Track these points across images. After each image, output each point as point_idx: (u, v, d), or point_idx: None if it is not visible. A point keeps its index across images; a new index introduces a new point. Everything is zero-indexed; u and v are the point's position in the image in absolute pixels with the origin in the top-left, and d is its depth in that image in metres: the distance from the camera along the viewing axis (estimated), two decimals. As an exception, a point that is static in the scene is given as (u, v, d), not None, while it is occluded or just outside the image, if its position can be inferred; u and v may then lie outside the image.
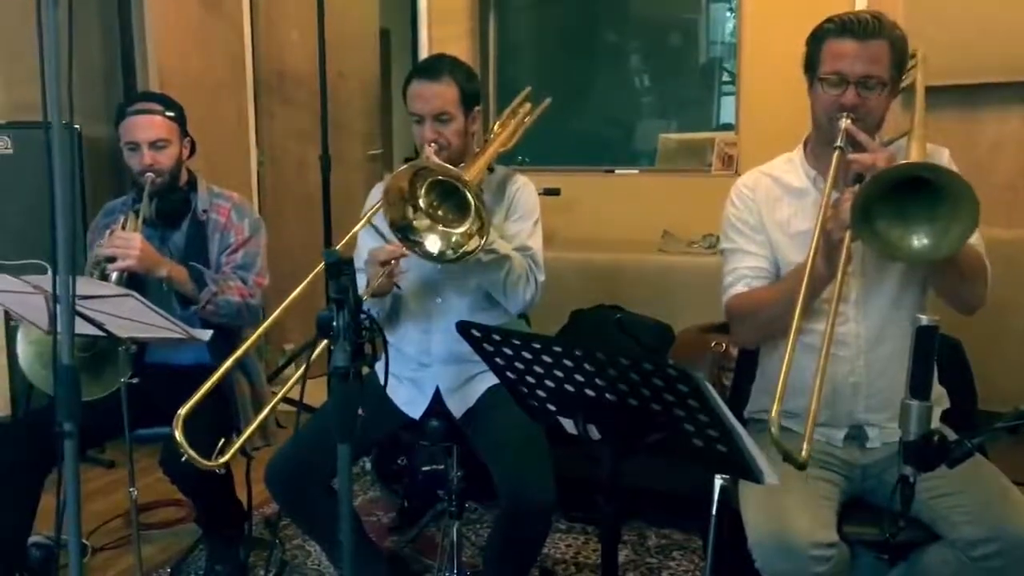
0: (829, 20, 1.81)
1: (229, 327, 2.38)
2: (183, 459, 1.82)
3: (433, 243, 1.95)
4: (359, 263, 2.20)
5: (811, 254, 1.69)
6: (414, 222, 1.96)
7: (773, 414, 1.52)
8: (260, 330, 2.12)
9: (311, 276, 2.02)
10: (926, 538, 1.74)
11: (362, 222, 2.16)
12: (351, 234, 2.15)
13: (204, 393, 1.89)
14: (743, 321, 1.94)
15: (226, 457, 1.87)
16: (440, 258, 1.97)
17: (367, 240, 2.20)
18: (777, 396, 1.54)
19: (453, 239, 1.94)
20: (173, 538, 2.85)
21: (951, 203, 1.58)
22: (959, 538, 1.66)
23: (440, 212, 1.97)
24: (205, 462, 1.84)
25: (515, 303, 2.15)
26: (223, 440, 1.89)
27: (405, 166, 1.94)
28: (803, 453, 1.49)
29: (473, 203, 1.87)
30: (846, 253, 1.68)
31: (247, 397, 2.46)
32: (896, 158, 1.71)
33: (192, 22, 3.98)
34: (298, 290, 2.02)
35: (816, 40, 1.83)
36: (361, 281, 2.08)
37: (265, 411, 2.07)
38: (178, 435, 1.81)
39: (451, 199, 1.95)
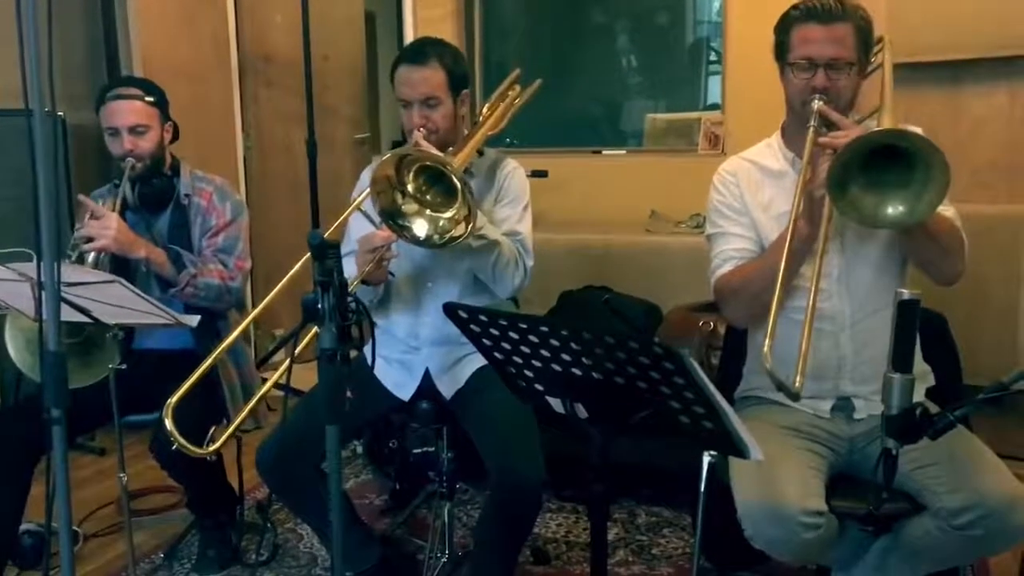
0: (794, 7, 1.87)
1: (212, 311, 2.38)
2: (174, 447, 1.82)
3: (420, 228, 1.96)
4: (348, 247, 2.20)
5: (793, 215, 1.74)
6: (402, 207, 1.96)
7: (765, 349, 1.58)
8: (246, 322, 2.12)
9: (299, 264, 2.00)
10: (910, 510, 1.76)
11: (350, 209, 2.15)
12: (339, 221, 2.15)
13: (193, 383, 1.88)
14: (732, 298, 1.96)
15: (216, 445, 1.88)
16: (427, 243, 1.97)
17: (356, 225, 2.20)
18: (768, 331, 1.60)
19: (440, 224, 1.95)
20: (165, 524, 2.85)
21: (923, 169, 1.62)
22: (941, 508, 1.69)
23: (428, 196, 1.97)
24: (196, 449, 1.84)
25: (504, 287, 2.16)
26: (213, 428, 1.90)
27: (390, 154, 1.94)
28: (796, 384, 1.56)
29: (459, 188, 1.87)
30: (827, 213, 1.73)
31: (236, 383, 2.47)
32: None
33: (176, 6, 3.95)
34: (287, 278, 2.01)
35: (783, 27, 1.88)
36: (349, 266, 2.09)
37: (254, 399, 2.06)
38: (168, 424, 1.81)
39: (439, 183, 1.95)
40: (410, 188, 1.95)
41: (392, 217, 1.95)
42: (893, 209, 1.67)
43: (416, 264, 2.22)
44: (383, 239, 2.01)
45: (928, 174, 1.62)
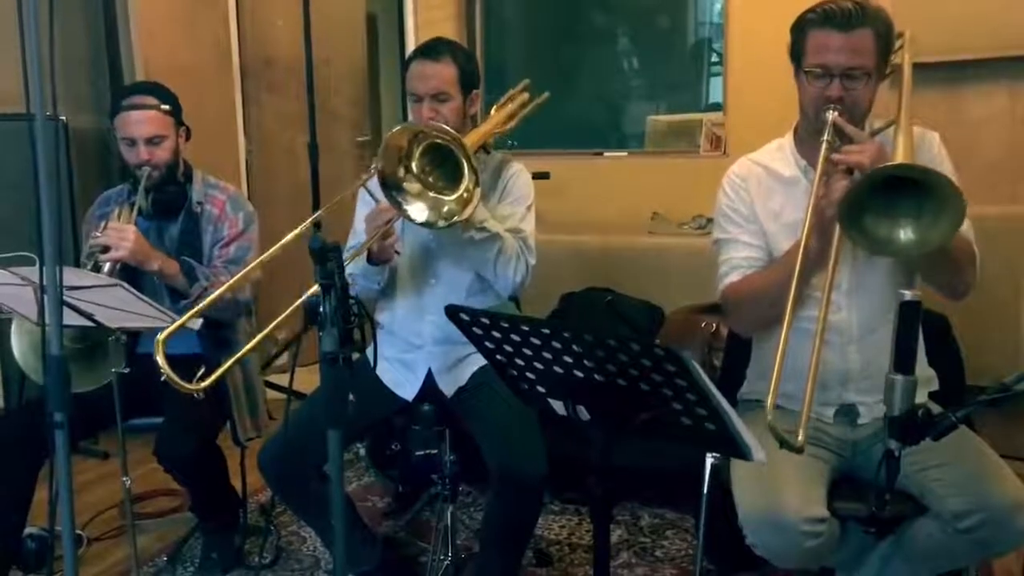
0: (811, 10, 1.79)
1: (219, 319, 2.38)
2: (163, 379, 1.74)
3: (420, 209, 1.96)
4: (353, 240, 2.22)
5: (805, 232, 1.70)
6: (404, 184, 1.96)
7: (769, 405, 1.52)
8: (224, 287, 2.03)
9: (291, 234, 1.92)
10: (913, 512, 1.76)
11: (356, 184, 2.15)
12: (342, 195, 2.13)
13: (189, 317, 1.86)
14: (740, 309, 1.94)
15: (207, 382, 1.80)
16: (428, 225, 1.97)
17: (364, 211, 2.20)
18: (772, 386, 1.55)
19: (444, 208, 1.95)
20: (168, 527, 2.85)
21: (937, 199, 1.58)
22: (945, 510, 1.68)
23: (431, 178, 1.97)
24: (186, 385, 1.76)
25: (505, 283, 2.16)
26: (203, 368, 1.84)
27: (403, 126, 1.94)
28: (799, 438, 1.49)
29: (466, 166, 1.87)
30: (838, 231, 1.69)
31: (240, 386, 2.47)
32: (884, 151, 1.70)
33: (177, 9, 3.95)
34: (270, 252, 1.94)
35: (799, 30, 1.81)
36: (354, 264, 2.09)
37: (253, 342, 1.98)
38: (160, 359, 1.73)
39: (444, 166, 1.96)
40: (415, 166, 1.96)
41: (391, 189, 1.95)
42: (905, 237, 1.63)
43: (421, 258, 2.23)
44: (387, 209, 2.02)
45: (942, 204, 1.57)
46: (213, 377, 1.82)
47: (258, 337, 1.98)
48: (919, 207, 1.61)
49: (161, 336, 1.78)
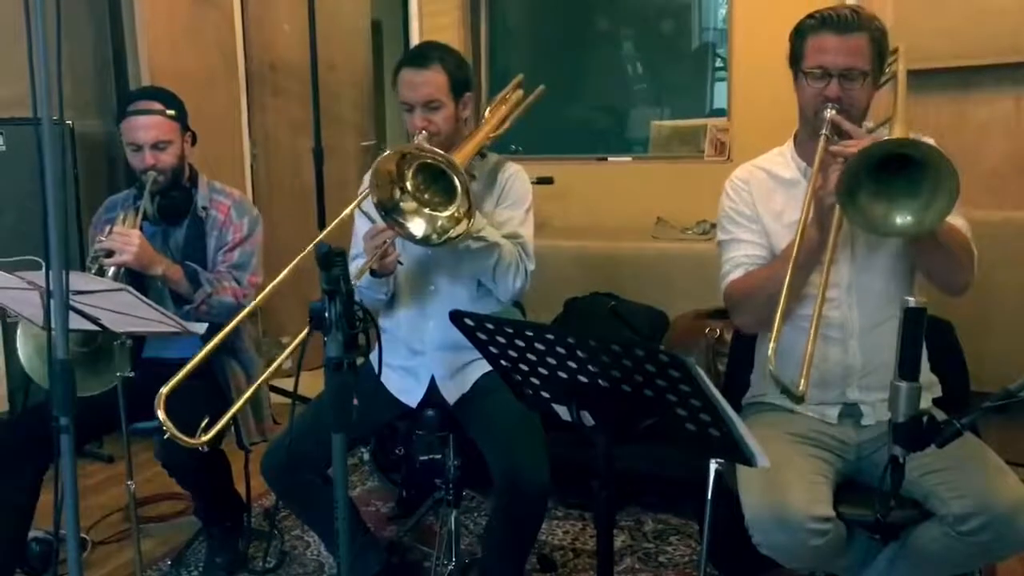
0: (810, 16, 1.86)
1: (223, 324, 2.38)
2: (166, 436, 1.75)
3: (418, 226, 1.96)
4: (355, 249, 2.21)
5: (803, 222, 1.73)
6: (400, 204, 1.96)
7: (770, 352, 1.58)
8: (241, 315, 2.10)
9: (302, 255, 1.96)
10: (918, 517, 1.76)
11: (351, 207, 2.16)
12: (338, 219, 2.14)
13: (187, 373, 1.82)
14: (742, 304, 1.96)
15: (209, 435, 1.80)
16: (425, 241, 1.97)
17: (362, 226, 2.21)
18: (773, 336, 1.60)
19: (439, 223, 1.95)
20: (173, 531, 2.86)
21: (932, 179, 1.62)
22: (948, 514, 1.68)
23: (427, 195, 1.97)
24: (189, 440, 1.77)
25: (504, 290, 2.16)
26: (207, 418, 1.85)
27: (392, 149, 1.94)
28: (800, 387, 1.56)
29: (459, 185, 1.87)
30: (837, 221, 1.73)
31: (244, 390, 2.47)
32: None
33: (183, 14, 3.96)
34: (290, 267, 1.98)
35: (798, 35, 1.88)
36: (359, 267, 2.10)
37: (249, 390, 2.00)
38: (161, 415, 1.73)
39: (438, 183, 1.95)
40: (409, 186, 1.96)
41: (389, 212, 1.95)
42: (902, 218, 1.68)
43: (419, 266, 2.23)
44: (384, 229, 2.02)
45: (937, 184, 1.62)
46: (214, 431, 1.82)
47: (268, 371, 2.03)
48: (915, 188, 1.65)
49: (164, 389, 1.77)
